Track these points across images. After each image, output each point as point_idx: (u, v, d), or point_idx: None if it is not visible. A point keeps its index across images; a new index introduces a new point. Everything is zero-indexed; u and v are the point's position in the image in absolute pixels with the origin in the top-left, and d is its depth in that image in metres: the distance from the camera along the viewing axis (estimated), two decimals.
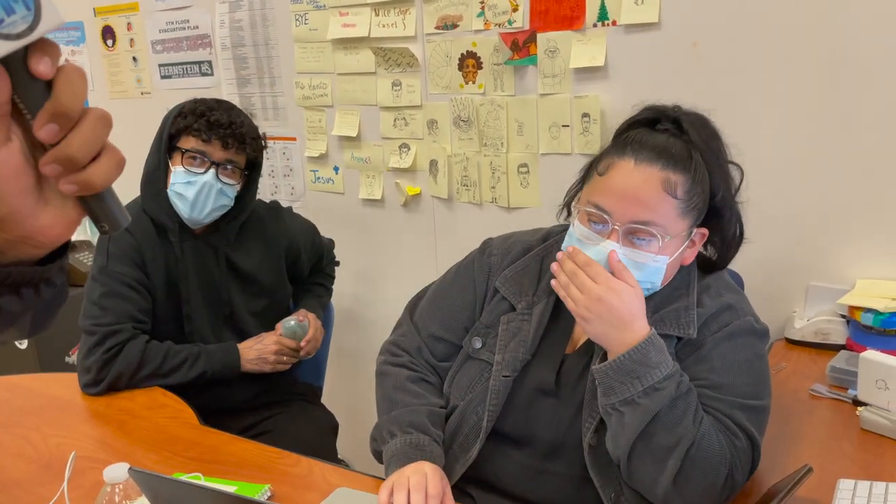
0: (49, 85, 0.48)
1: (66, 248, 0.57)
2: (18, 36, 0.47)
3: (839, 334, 1.62)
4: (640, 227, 1.10)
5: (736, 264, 1.62)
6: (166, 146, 1.67)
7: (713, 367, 1.12)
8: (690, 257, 1.19)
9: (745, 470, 1.09)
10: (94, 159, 0.50)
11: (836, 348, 1.59)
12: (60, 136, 0.49)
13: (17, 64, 0.48)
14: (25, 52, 0.48)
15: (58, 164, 0.49)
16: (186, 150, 1.65)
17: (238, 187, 1.72)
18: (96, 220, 0.53)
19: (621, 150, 1.13)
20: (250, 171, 1.75)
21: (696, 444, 1.05)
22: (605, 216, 1.11)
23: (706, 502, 1.06)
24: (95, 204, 0.52)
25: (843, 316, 1.63)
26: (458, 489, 1.23)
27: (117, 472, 0.93)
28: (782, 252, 1.73)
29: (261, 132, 1.74)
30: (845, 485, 1.09)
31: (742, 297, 1.21)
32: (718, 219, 1.17)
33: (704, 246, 1.23)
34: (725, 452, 1.06)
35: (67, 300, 0.65)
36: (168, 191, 1.67)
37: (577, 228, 1.16)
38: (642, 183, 1.09)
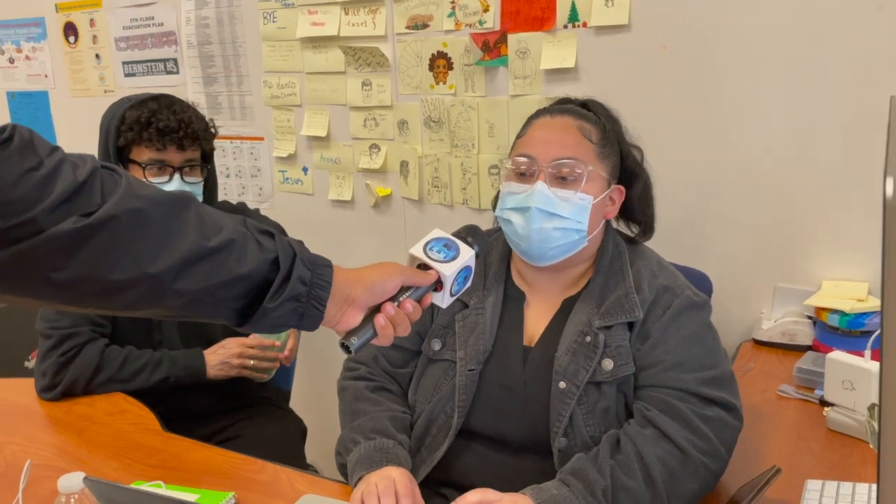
0: None
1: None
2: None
3: (806, 335, 1.63)
4: (563, 161, 1.20)
5: (704, 265, 1.65)
6: (115, 159, 1.61)
7: (668, 347, 1.17)
8: (612, 213, 1.28)
9: (727, 436, 1.12)
10: None
11: (802, 349, 1.61)
12: None
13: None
14: None
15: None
16: (144, 162, 1.59)
17: (202, 181, 1.68)
18: None
19: (536, 115, 1.29)
20: (207, 161, 1.71)
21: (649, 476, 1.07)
22: (531, 161, 1.21)
23: (707, 489, 1.11)
24: None
25: (810, 317, 1.65)
26: (430, 490, 1.24)
27: (72, 481, 0.90)
28: (749, 254, 1.75)
29: (207, 119, 1.69)
30: (813, 485, 1.09)
31: (674, 274, 1.27)
32: (634, 182, 1.29)
33: (626, 221, 1.34)
34: (681, 455, 1.08)
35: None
36: None
37: (505, 186, 1.26)
38: (560, 128, 1.24)
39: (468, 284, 1.02)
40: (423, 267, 0.96)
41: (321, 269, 0.86)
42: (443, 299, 0.98)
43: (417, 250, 0.98)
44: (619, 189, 1.28)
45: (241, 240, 0.79)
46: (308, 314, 0.84)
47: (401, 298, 0.92)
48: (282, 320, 0.83)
